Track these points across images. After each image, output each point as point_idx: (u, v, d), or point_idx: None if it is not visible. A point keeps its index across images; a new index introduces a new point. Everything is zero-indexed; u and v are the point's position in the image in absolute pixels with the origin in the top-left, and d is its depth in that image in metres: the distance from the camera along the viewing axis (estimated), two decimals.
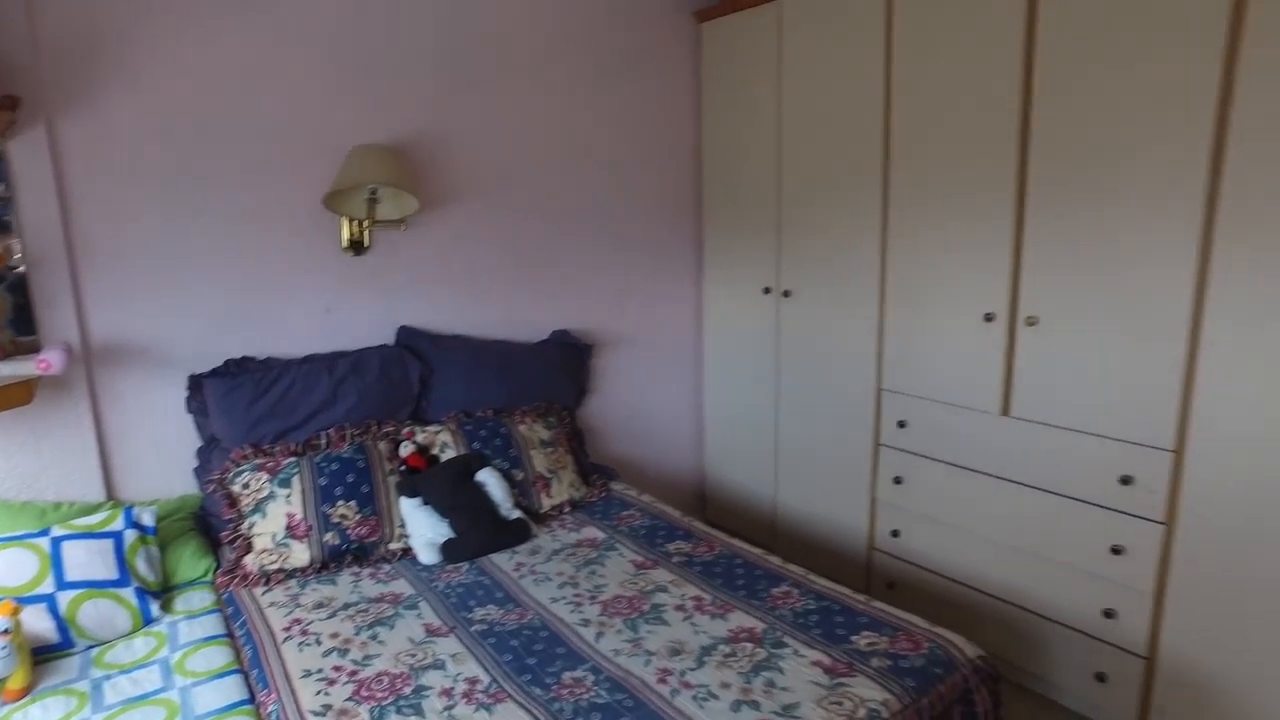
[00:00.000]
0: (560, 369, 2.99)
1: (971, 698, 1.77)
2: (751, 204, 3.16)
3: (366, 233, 2.63)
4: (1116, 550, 2.20)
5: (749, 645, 1.85)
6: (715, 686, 1.70)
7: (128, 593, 2.01)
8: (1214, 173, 1.92)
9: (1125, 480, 2.17)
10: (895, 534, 2.80)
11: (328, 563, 2.26)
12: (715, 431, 3.53)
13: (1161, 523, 2.12)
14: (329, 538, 2.26)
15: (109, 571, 2.01)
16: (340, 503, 2.31)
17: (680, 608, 2.03)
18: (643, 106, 3.21)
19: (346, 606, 2.06)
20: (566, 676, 1.74)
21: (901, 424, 2.71)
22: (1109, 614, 2.25)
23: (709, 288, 3.45)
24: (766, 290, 3.14)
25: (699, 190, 3.42)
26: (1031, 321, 2.31)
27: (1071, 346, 2.24)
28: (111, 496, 2.35)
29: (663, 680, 1.72)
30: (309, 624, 1.97)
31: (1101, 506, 2.22)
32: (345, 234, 2.61)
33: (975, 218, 2.41)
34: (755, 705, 1.63)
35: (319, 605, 2.06)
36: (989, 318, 2.40)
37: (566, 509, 2.64)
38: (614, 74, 3.11)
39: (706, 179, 3.38)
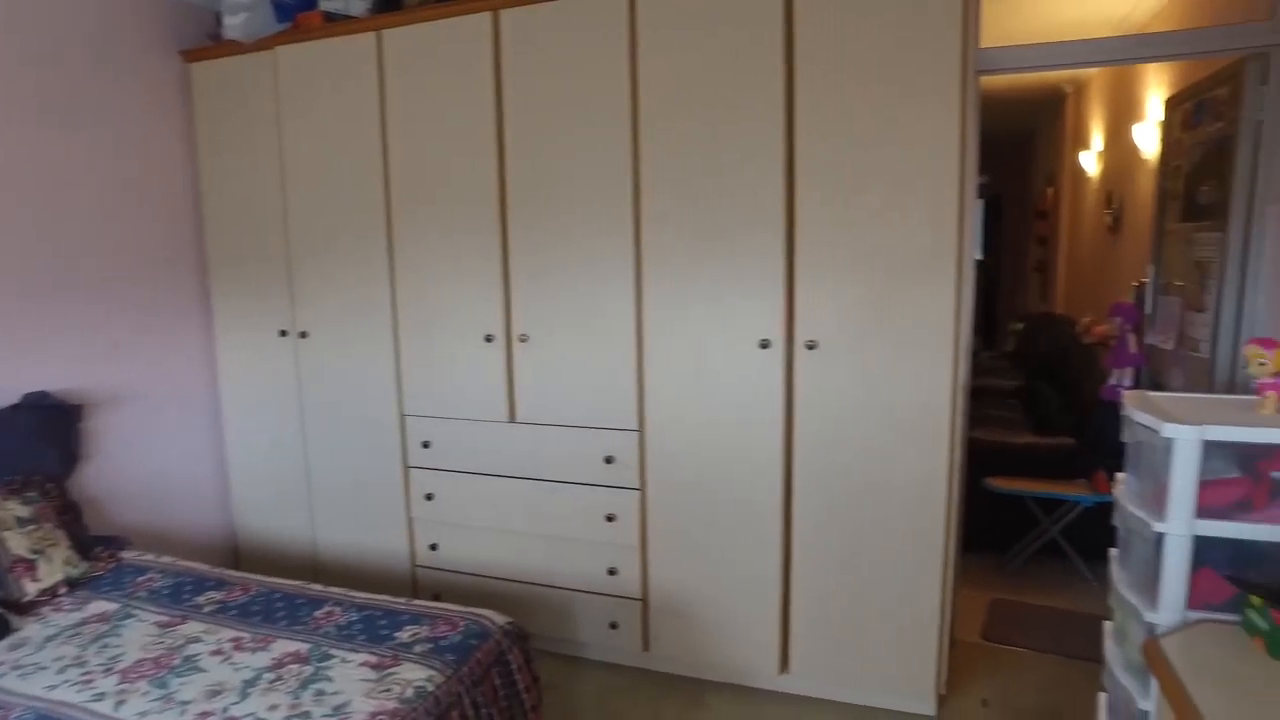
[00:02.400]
0: (39, 436, 2.58)
1: (506, 658, 2.04)
2: (260, 249, 3.14)
3: None
4: (610, 518, 2.70)
5: (295, 666, 1.88)
6: (263, 711, 1.69)
7: None
8: (636, 223, 2.55)
9: (609, 460, 2.68)
10: (434, 547, 3.00)
11: None
12: (242, 480, 3.36)
13: (637, 489, 2.67)
14: None
15: None
16: None
17: (218, 652, 1.95)
18: (126, 147, 2.97)
19: None
20: None
21: (426, 444, 2.94)
22: (612, 571, 2.75)
23: (221, 335, 3.29)
24: (283, 333, 3.13)
25: (201, 236, 3.26)
26: (523, 339, 2.74)
27: (557, 357, 2.71)
28: None
29: None
30: None
31: (595, 485, 2.72)
32: None
33: (470, 256, 2.77)
34: (307, 715, 1.68)
35: None
36: (489, 339, 2.77)
37: (63, 590, 2.30)
38: (88, 111, 2.83)
39: (209, 224, 3.24)
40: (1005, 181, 8.75)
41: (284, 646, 1.97)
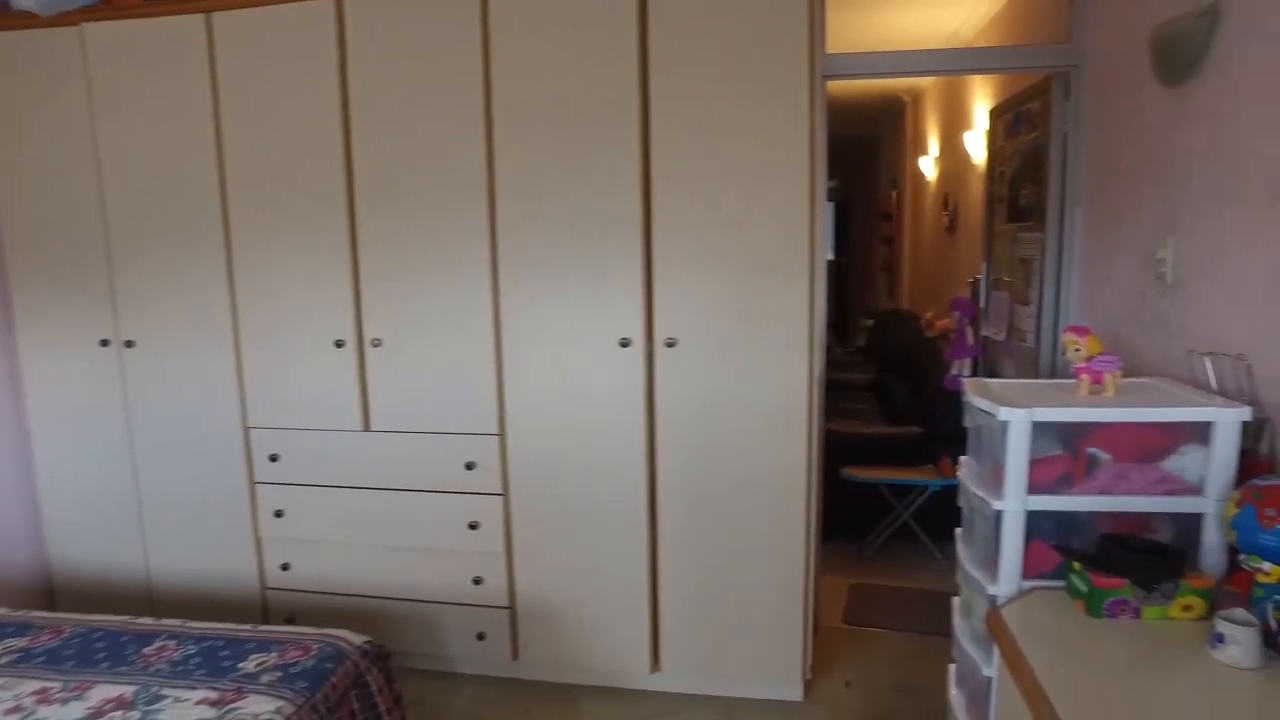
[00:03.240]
0: None
1: (365, 680, 1.92)
2: (74, 250, 2.82)
3: None
4: (473, 525, 2.62)
5: (117, 714, 1.69)
6: None
7: None
8: (492, 222, 2.48)
9: (470, 466, 2.60)
10: (285, 567, 2.81)
11: None
12: (57, 509, 3.01)
13: (500, 494, 2.60)
14: None
15: None
16: None
17: (15, 709, 1.72)
18: None
19: None
20: None
21: (274, 458, 2.75)
22: (478, 580, 2.66)
23: (27, 348, 2.93)
24: (105, 343, 2.84)
25: None
26: (376, 343, 2.61)
27: (412, 361, 2.60)
28: None
29: None
30: None
31: (456, 492, 2.62)
32: None
33: (316, 257, 2.61)
34: None
35: None
36: (340, 344, 2.62)
37: None
38: None
39: (6, 223, 2.87)
40: (853, 185, 9.23)
41: (104, 692, 1.76)
